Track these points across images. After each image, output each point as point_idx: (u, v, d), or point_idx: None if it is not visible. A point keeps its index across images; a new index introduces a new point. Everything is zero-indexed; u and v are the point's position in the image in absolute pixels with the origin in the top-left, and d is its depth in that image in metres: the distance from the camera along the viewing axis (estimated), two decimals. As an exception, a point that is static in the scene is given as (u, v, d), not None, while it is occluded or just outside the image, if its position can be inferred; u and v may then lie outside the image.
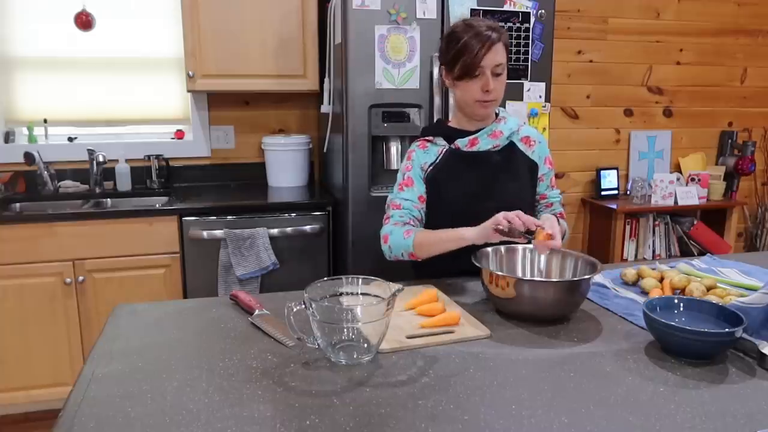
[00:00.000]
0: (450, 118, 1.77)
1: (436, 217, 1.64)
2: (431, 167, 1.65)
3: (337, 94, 2.50)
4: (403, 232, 1.57)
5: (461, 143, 1.63)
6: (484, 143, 1.63)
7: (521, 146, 1.68)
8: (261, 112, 3.14)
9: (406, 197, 1.63)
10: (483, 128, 1.64)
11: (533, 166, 1.69)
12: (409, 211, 1.62)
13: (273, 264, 2.50)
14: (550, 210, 1.74)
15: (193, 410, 0.92)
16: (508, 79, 2.43)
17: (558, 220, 1.60)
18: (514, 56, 2.45)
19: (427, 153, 1.67)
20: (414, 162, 1.67)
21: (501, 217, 1.37)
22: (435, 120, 1.72)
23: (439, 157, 1.65)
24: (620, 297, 1.44)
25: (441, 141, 1.66)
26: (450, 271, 1.58)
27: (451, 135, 1.66)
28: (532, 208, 1.73)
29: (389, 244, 1.59)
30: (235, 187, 2.99)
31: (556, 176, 3.48)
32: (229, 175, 3.13)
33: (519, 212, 1.38)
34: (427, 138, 1.69)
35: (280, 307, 1.29)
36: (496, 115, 1.68)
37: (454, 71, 1.55)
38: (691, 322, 1.18)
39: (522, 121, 1.73)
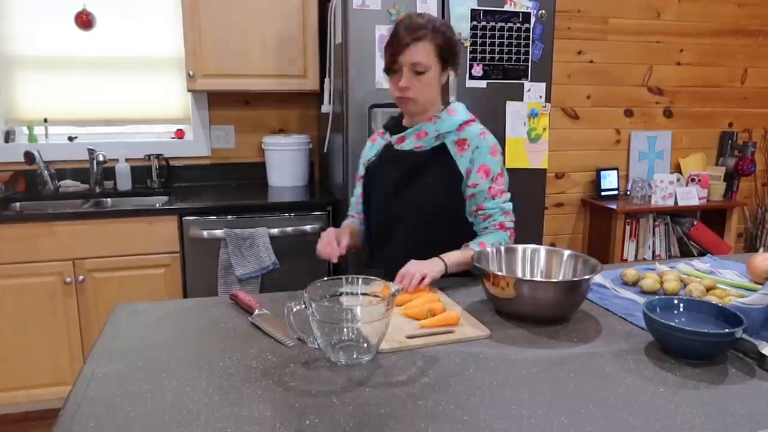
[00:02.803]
0: None
1: (366, 210, 1.73)
2: (369, 162, 1.71)
3: (338, 94, 2.50)
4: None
5: (393, 140, 1.64)
6: (409, 142, 1.61)
7: (452, 149, 1.58)
8: (261, 112, 3.14)
9: (354, 193, 1.80)
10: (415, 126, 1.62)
11: (456, 174, 1.58)
12: (353, 206, 1.80)
13: (273, 264, 2.50)
14: (489, 221, 1.60)
15: (193, 410, 0.92)
16: (508, 79, 2.47)
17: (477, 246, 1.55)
18: (514, 56, 2.45)
19: (373, 148, 1.72)
20: (362, 157, 1.75)
21: (322, 255, 1.55)
22: (400, 112, 1.69)
23: (377, 153, 1.69)
24: (620, 297, 1.44)
25: (388, 135, 1.67)
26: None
27: (394, 130, 1.66)
28: (452, 215, 1.62)
29: None
30: (235, 187, 2.99)
31: (557, 176, 3.48)
32: (229, 175, 3.13)
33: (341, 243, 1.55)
34: (380, 131, 1.73)
35: (280, 307, 1.29)
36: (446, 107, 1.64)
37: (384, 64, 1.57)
38: (691, 322, 1.18)
39: (467, 120, 1.61)
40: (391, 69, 1.53)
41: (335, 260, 1.53)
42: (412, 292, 1.37)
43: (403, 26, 1.51)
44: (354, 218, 1.79)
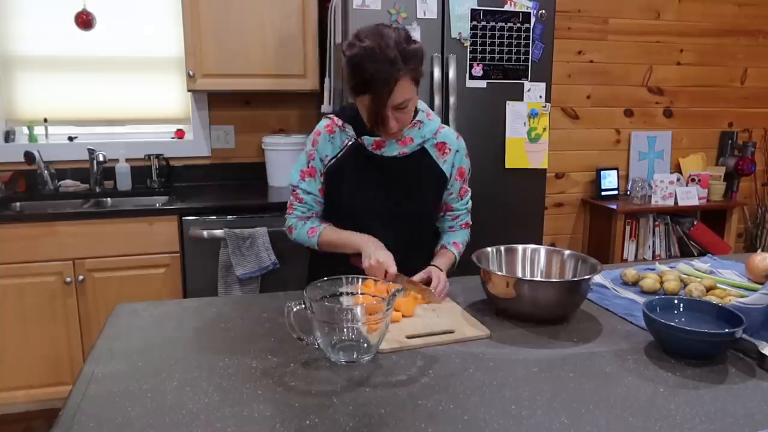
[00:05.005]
0: None
1: (330, 210, 1.60)
2: (333, 160, 1.55)
3: (337, 94, 2.50)
4: (307, 231, 1.58)
5: (367, 142, 1.51)
6: (390, 148, 1.51)
7: (433, 153, 1.57)
8: (261, 112, 3.14)
9: (309, 189, 1.59)
10: None
11: (441, 176, 1.58)
12: (310, 206, 1.60)
13: (273, 264, 2.50)
14: (457, 221, 1.67)
15: (193, 410, 0.92)
16: (508, 78, 2.47)
17: (449, 249, 1.62)
18: (514, 56, 2.45)
19: (332, 142, 1.55)
20: (318, 150, 1.56)
21: (374, 269, 1.38)
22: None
23: (342, 151, 1.54)
24: (620, 297, 1.44)
25: (351, 131, 1.53)
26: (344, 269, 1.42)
27: (362, 129, 1.52)
28: (434, 218, 1.67)
29: (294, 236, 1.61)
30: (235, 187, 2.99)
31: (557, 176, 3.48)
32: (230, 175, 3.13)
33: (392, 271, 1.37)
34: (337, 122, 1.56)
35: (280, 307, 1.29)
36: (415, 112, 1.54)
37: (359, 104, 1.44)
38: (691, 322, 1.18)
39: (442, 124, 1.60)
40: (376, 118, 1.41)
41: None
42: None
43: (372, 65, 1.33)
44: (316, 221, 1.61)
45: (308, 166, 1.59)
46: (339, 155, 1.55)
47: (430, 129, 1.55)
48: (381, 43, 1.34)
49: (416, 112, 1.55)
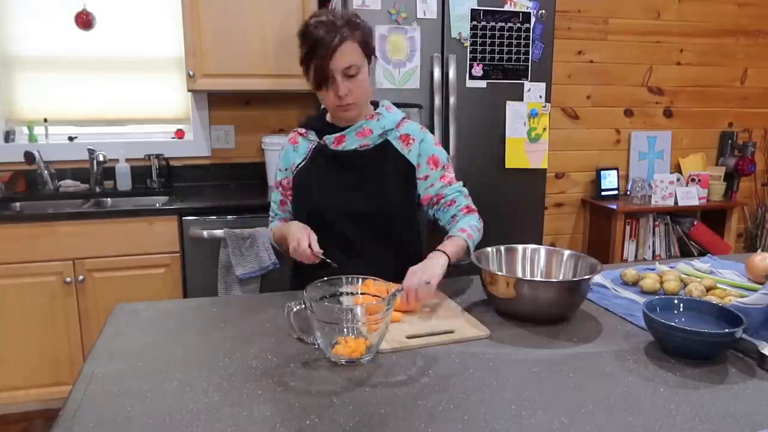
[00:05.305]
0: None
1: (301, 214, 1.60)
2: (298, 168, 1.60)
3: (338, 94, 2.49)
4: (269, 231, 1.71)
5: (328, 140, 1.56)
6: (351, 141, 1.55)
7: (397, 145, 1.57)
8: (261, 112, 3.14)
9: (274, 199, 1.71)
10: (353, 125, 1.56)
11: (408, 167, 1.57)
12: (275, 213, 1.72)
13: (273, 264, 2.50)
14: (454, 207, 1.58)
15: (193, 410, 0.92)
16: (508, 79, 2.47)
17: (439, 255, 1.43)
18: (514, 56, 2.45)
19: (297, 151, 1.62)
20: (282, 162, 1.64)
21: (297, 251, 1.42)
22: (321, 110, 1.64)
23: (307, 156, 1.59)
24: (620, 297, 1.44)
25: (313, 135, 1.60)
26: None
27: (323, 130, 1.58)
28: (409, 210, 1.61)
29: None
30: (235, 187, 2.99)
31: (557, 176, 3.48)
32: (230, 175, 3.13)
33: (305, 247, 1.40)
34: (300, 131, 1.63)
35: (280, 307, 1.29)
36: (376, 106, 1.59)
37: (309, 77, 1.47)
38: (691, 322, 1.18)
39: (403, 116, 1.61)
40: (322, 81, 1.44)
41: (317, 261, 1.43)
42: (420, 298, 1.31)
43: (319, 30, 1.41)
44: (277, 223, 1.68)
45: (276, 179, 1.69)
46: (304, 162, 1.60)
47: (391, 120, 1.57)
48: (329, 16, 1.45)
49: (377, 105, 1.60)
